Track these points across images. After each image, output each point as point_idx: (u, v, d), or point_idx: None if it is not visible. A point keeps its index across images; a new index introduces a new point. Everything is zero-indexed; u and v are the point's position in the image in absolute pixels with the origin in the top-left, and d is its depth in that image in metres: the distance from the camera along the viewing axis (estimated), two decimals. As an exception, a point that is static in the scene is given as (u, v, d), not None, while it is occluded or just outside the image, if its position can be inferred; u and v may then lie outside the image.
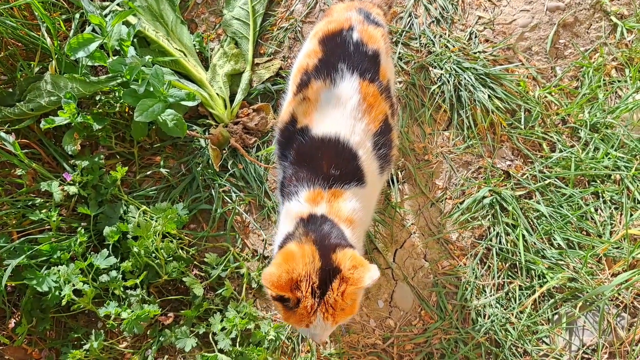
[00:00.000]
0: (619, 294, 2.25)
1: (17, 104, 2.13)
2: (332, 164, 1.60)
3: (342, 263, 1.42)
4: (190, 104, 2.13)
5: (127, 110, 2.27)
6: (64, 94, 2.07)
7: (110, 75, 2.16)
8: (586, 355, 2.20)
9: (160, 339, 2.06)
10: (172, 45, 2.39)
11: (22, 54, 2.30)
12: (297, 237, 1.52)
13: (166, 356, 2.08)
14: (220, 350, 2.01)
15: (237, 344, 2.03)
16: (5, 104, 2.18)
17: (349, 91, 1.67)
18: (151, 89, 2.08)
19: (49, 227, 2.07)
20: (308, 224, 1.54)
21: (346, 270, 1.41)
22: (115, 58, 2.11)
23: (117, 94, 2.21)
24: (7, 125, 2.14)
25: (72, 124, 2.11)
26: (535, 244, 2.29)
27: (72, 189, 2.08)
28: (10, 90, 2.23)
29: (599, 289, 2.14)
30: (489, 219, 2.34)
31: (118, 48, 2.17)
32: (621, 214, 2.35)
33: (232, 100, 2.41)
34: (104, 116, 2.19)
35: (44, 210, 2.05)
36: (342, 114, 1.66)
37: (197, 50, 2.48)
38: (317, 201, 1.58)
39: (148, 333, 2.09)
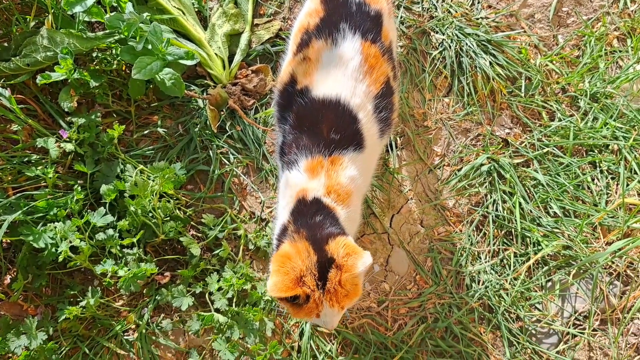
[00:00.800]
0: (613, 262, 2.27)
1: (13, 58, 2.09)
2: (332, 128, 1.58)
3: (336, 252, 1.43)
4: (188, 62, 2.10)
5: (124, 68, 2.24)
6: (61, 49, 2.03)
7: (107, 31, 2.12)
8: (578, 322, 2.23)
9: (156, 297, 2.07)
10: (171, 3, 2.35)
11: (18, 7, 2.25)
12: (289, 235, 1.52)
13: (162, 314, 2.09)
14: (217, 310, 2.02)
15: (234, 304, 2.05)
16: (0, 59, 2.14)
17: (350, 52, 1.65)
18: (149, 47, 2.05)
19: (45, 184, 2.05)
20: (299, 219, 1.53)
21: (340, 258, 1.42)
22: (112, 14, 2.07)
23: (114, 51, 2.17)
24: (2, 80, 2.10)
25: (69, 81, 2.08)
26: (531, 211, 2.30)
27: (69, 146, 2.06)
28: (6, 44, 2.19)
29: (593, 256, 2.16)
30: (486, 187, 2.35)
31: (115, 4, 2.13)
32: (617, 184, 2.36)
33: (230, 60, 2.38)
34: (101, 73, 2.16)
35: (40, 167, 2.03)
36: (343, 74, 1.63)
37: (196, 9, 2.44)
38: (317, 172, 1.57)
39: (144, 292, 2.10)
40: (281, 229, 1.59)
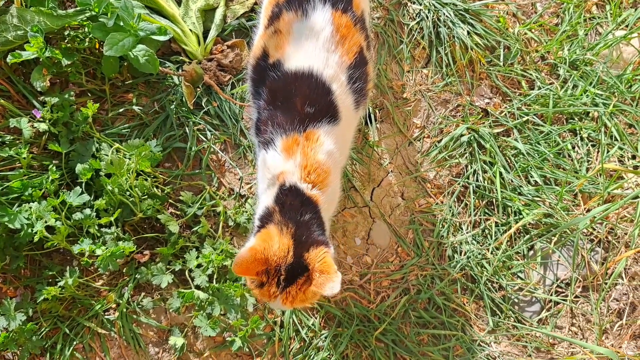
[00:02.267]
0: (594, 229, 2.27)
1: (-18, 38, 2.06)
2: (306, 101, 1.56)
3: (312, 264, 1.45)
4: (161, 38, 2.07)
5: (97, 46, 2.20)
6: (31, 27, 2.00)
7: (78, 8, 2.09)
8: (560, 289, 2.24)
9: (136, 276, 2.05)
10: (143, -21, 2.31)
11: (-14, -13, 2.21)
12: (277, 224, 1.52)
13: (143, 293, 2.09)
14: (197, 287, 2.01)
15: (214, 281, 2.04)
16: (-30, 39, 2.10)
17: (321, 22, 1.62)
18: (121, 23, 2.01)
19: (19, 165, 2.03)
20: (287, 212, 1.53)
21: (313, 272, 1.44)
22: (82, -10, 2.04)
23: (86, 28, 2.14)
24: (-28, 61, 2.08)
25: (41, 60, 2.05)
26: (512, 181, 2.30)
27: (42, 126, 2.03)
28: (-25, 24, 2.15)
29: (573, 221, 2.16)
30: (466, 157, 2.34)
31: (85, -19, 2.09)
32: (598, 152, 2.35)
33: (205, 36, 2.35)
34: (73, 51, 2.13)
35: (13, 148, 2.01)
36: (314, 46, 1.61)
37: (169, -15, 2.40)
38: (293, 150, 1.55)
39: (124, 271, 2.08)
40: (265, 212, 1.58)
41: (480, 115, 2.40)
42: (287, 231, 1.49)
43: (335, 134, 1.59)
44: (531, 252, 2.26)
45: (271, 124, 1.59)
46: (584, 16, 2.52)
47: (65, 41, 2.13)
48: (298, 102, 1.57)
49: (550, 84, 2.45)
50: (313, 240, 1.49)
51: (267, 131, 1.60)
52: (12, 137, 2.06)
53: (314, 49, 1.61)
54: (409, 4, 2.46)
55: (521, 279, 2.23)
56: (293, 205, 1.52)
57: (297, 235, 1.49)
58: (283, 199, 1.54)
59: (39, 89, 2.07)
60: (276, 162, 1.57)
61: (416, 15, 2.45)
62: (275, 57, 1.63)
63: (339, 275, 1.42)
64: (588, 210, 2.26)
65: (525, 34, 2.50)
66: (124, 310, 2.03)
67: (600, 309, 2.21)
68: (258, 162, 1.72)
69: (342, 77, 1.63)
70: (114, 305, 2.05)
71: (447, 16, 2.42)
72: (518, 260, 2.24)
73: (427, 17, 2.42)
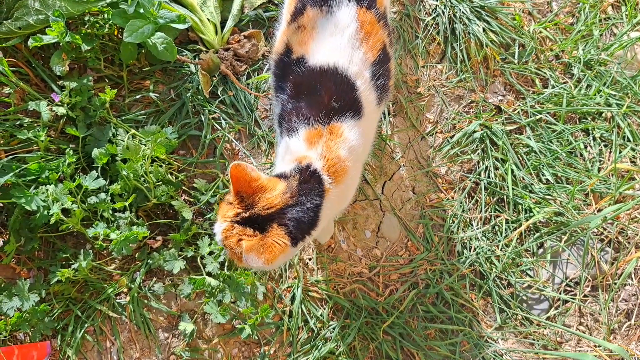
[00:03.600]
0: (604, 229, 2.28)
1: (5, 22, 2.08)
2: (332, 96, 1.57)
3: (268, 236, 1.41)
4: (180, 26, 2.09)
5: (116, 32, 2.22)
6: (52, 12, 2.02)
7: (98, -6, 2.11)
8: (569, 288, 2.25)
9: (148, 261, 2.07)
10: (162, -33, 2.33)
11: (8, -29, 2.24)
12: (286, 182, 1.49)
13: (154, 278, 2.11)
14: (209, 274, 2.03)
15: (225, 268, 2.06)
16: (-9, 22, 2.13)
17: (346, 19, 1.63)
18: (141, 10, 2.04)
19: (37, 147, 2.05)
20: (301, 188, 1.50)
21: (260, 240, 1.40)
22: (104, -23, 2.06)
23: (106, 15, 2.16)
24: (-7, 44, 2.10)
25: (60, 44, 2.07)
26: (523, 178, 2.31)
27: (61, 110, 2.06)
28: (-4, 8, 2.18)
29: (584, 220, 2.17)
30: (478, 154, 2.35)
31: (107, -33, 2.11)
32: (610, 151, 2.36)
33: (223, 26, 2.37)
34: (92, 37, 2.15)
35: (32, 130, 2.03)
36: (339, 42, 1.61)
37: (188, -25, 2.42)
38: (315, 141, 1.55)
39: (136, 256, 2.10)
40: (281, 171, 1.57)
41: (494, 112, 2.40)
42: (284, 197, 1.46)
43: (359, 129, 1.59)
44: (541, 250, 2.26)
45: (296, 115, 1.59)
46: (599, 16, 2.53)
47: (86, 27, 2.15)
48: (323, 96, 1.58)
49: (564, 83, 2.45)
50: (291, 225, 1.45)
51: (292, 120, 1.60)
52: (30, 120, 2.09)
53: (339, 46, 1.61)
54: (425, -1, 2.48)
55: (530, 276, 2.24)
56: (306, 186, 1.50)
57: (288, 207, 1.46)
58: (301, 176, 1.52)
59: (58, 73, 2.09)
60: (299, 148, 1.57)
61: (432, 11, 2.46)
62: (299, 52, 1.64)
63: (265, 264, 1.39)
64: (599, 210, 2.27)
65: (541, 32, 2.50)
66: (135, 294, 2.05)
67: (608, 308, 2.21)
68: (279, 148, 1.70)
69: (366, 74, 1.64)
70: (125, 290, 2.07)
71: (463, 12, 2.43)
72: (527, 257, 2.25)
73: (443, 13, 2.43)
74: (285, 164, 1.60)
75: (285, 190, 1.47)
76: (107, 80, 2.25)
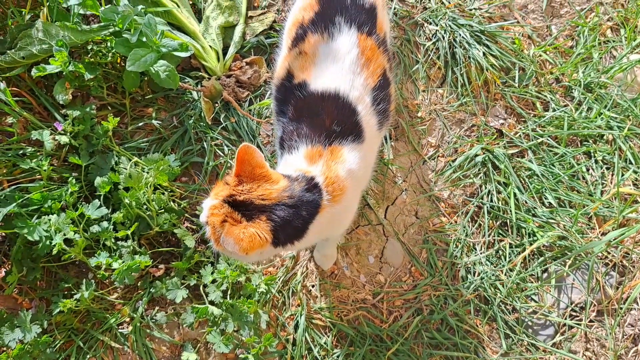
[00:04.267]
0: (608, 253, 2.27)
1: (8, 51, 2.09)
2: (334, 120, 1.58)
3: (253, 226, 1.38)
4: (183, 54, 2.10)
5: (119, 60, 2.24)
6: (56, 42, 2.03)
7: (102, 24, 2.12)
8: (574, 313, 2.23)
9: (151, 290, 2.06)
10: (165, -5, 2.35)
11: (14, 1, 2.25)
12: (289, 181, 1.47)
13: (157, 307, 2.09)
14: (211, 302, 2.01)
15: (228, 296, 2.04)
16: (-5, 52, 2.14)
17: (347, 45, 1.65)
18: (144, 39, 2.05)
19: (39, 176, 2.05)
20: (299, 192, 1.47)
21: (243, 227, 1.37)
22: (107, 6, 2.07)
23: (109, 43, 2.17)
24: (-3, 73, 2.11)
25: (64, 73, 2.08)
26: (526, 202, 2.30)
27: (64, 139, 2.06)
28: (1, 37, 2.19)
29: (588, 245, 2.16)
30: (480, 177, 2.35)
31: (110, -4, 2.13)
32: (612, 174, 2.36)
33: (225, 53, 2.38)
34: (95, 66, 2.16)
35: (34, 160, 2.03)
36: (340, 68, 1.63)
37: (190, 2, 2.44)
38: (315, 160, 1.55)
39: (139, 284, 2.09)
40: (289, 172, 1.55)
41: (495, 136, 2.41)
42: (283, 194, 1.43)
43: (359, 153, 1.60)
44: (545, 275, 2.25)
45: (297, 134, 1.60)
46: (598, 39, 2.54)
47: (89, 55, 2.16)
48: (325, 119, 1.59)
49: (565, 105, 2.46)
50: (279, 224, 1.41)
51: (293, 139, 1.60)
52: (33, 149, 2.09)
53: (340, 71, 1.63)
54: (425, 24, 2.49)
55: (535, 301, 2.22)
56: (307, 194, 1.46)
57: (282, 205, 1.42)
58: (307, 184, 1.49)
59: (61, 102, 2.10)
60: (299, 163, 1.56)
61: (432, 36, 2.48)
62: (301, 77, 1.66)
63: (239, 253, 1.36)
64: (603, 234, 2.26)
65: (540, 56, 2.52)
66: (138, 324, 2.03)
67: (615, 334, 2.20)
68: (278, 168, 1.68)
69: (367, 99, 1.65)
70: (127, 319, 2.06)
71: (463, 37, 2.44)
72: (532, 282, 2.24)
73: (444, 38, 2.45)
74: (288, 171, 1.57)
75: (286, 188, 1.44)
76: (109, 108, 2.26)
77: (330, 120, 1.58)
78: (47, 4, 2.13)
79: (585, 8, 2.59)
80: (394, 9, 2.50)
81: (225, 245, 1.37)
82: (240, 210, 1.40)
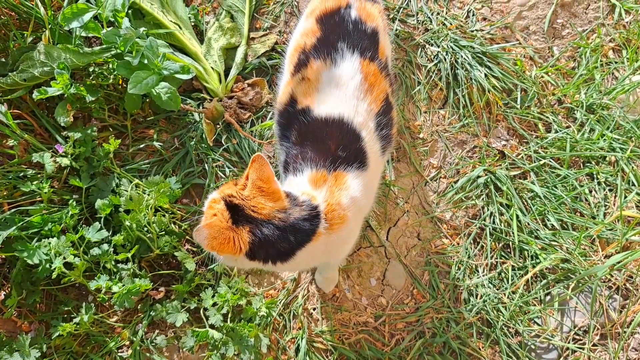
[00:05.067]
0: (612, 276, 2.25)
1: (10, 73, 2.10)
2: (339, 145, 1.57)
3: (236, 233, 1.38)
4: (184, 77, 2.11)
5: (120, 82, 2.24)
6: (57, 64, 2.04)
7: (104, 46, 2.13)
8: (577, 337, 2.21)
9: (151, 313, 2.05)
10: (167, 17, 2.36)
11: (16, 23, 2.27)
12: (289, 202, 1.45)
13: (157, 331, 2.08)
14: (212, 326, 2.00)
15: (229, 320, 2.03)
16: (-3, 74, 2.15)
17: (350, 71, 1.65)
18: (145, 61, 2.05)
19: (40, 199, 2.05)
20: (299, 214, 1.45)
21: (224, 229, 1.37)
22: (109, 29, 2.08)
23: (110, 65, 2.18)
24: (-1, 96, 2.12)
25: (65, 95, 2.08)
26: (529, 224, 2.29)
27: (64, 161, 2.06)
28: (3, 60, 2.20)
29: (591, 270, 2.14)
30: (483, 199, 2.34)
31: (112, 19, 2.13)
32: (615, 196, 2.34)
33: (226, 74, 2.39)
34: (97, 88, 2.17)
35: (35, 182, 2.03)
36: (344, 94, 1.63)
37: (193, 23, 2.45)
38: (319, 184, 1.54)
39: (139, 307, 2.08)
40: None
41: (497, 157, 2.40)
42: (275, 214, 1.41)
43: (363, 180, 1.59)
44: (548, 298, 2.23)
45: (302, 157, 1.59)
46: (600, 61, 2.54)
47: (90, 78, 2.17)
48: (330, 144, 1.58)
49: (567, 127, 2.45)
50: (259, 240, 1.39)
51: (297, 162, 1.59)
52: (34, 171, 2.08)
53: (344, 97, 1.63)
54: (427, 45, 2.49)
55: (538, 324, 2.20)
56: (302, 224, 1.44)
57: (270, 223, 1.40)
58: (309, 214, 1.46)
59: (62, 124, 2.10)
60: (304, 187, 1.55)
61: (434, 57, 2.48)
62: (304, 103, 1.65)
63: (206, 247, 1.36)
64: (606, 257, 2.24)
65: (542, 77, 2.51)
66: (138, 347, 2.02)
67: (618, 358, 2.17)
68: (283, 186, 1.64)
69: (371, 124, 1.65)
70: (127, 343, 2.04)
71: (464, 58, 2.44)
72: (535, 305, 2.22)
73: (445, 59, 2.45)
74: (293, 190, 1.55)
75: (282, 209, 1.42)
76: (111, 130, 2.26)
77: (335, 145, 1.57)
78: (49, 26, 2.14)
79: (587, 29, 2.59)
80: (396, 30, 2.50)
81: (197, 234, 1.37)
82: (232, 213, 1.40)
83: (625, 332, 2.17)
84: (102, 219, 2.03)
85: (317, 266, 2.14)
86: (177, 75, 2.09)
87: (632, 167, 2.36)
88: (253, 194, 1.41)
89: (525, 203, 2.34)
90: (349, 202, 1.54)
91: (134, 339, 2.02)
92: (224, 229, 1.37)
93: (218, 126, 2.31)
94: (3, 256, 2.02)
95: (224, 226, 1.38)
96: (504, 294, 2.21)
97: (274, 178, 1.44)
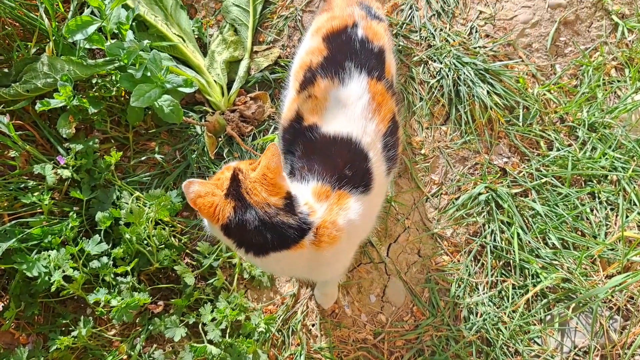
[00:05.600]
0: (612, 297, 2.24)
1: (13, 84, 2.10)
2: (347, 163, 1.56)
3: (223, 204, 1.39)
4: (187, 90, 2.10)
5: (123, 94, 2.24)
6: (61, 76, 2.04)
7: (107, 58, 2.13)
8: (578, 357, 2.19)
9: (149, 327, 2.04)
10: (171, 30, 2.36)
11: (20, 34, 2.27)
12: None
13: (155, 345, 2.07)
14: (210, 341, 1.99)
15: (227, 335, 2.02)
16: (0, 84, 2.15)
17: (358, 90, 1.65)
18: (148, 74, 2.05)
19: (40, 210, 2.04)
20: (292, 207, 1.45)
21: (216, 206, 1.39)
22: (113, 41, 2.08)
23: (114, 77, 2.18)
24: (1, 106, 2.11)
25: (68, 107, 2.08)
26: (529, 242, 2.28)
27: (66, 173, 2.06)
28: (6, 70, 2.20)
29: (592, 292, 2.14)
30: (484, 216, 2.33)
31: (116, 31, 2.14)
32: (617, 215, 2.34)
33: (229, 87, 2.39)
34: (100, 100, 2.17)
35: (36, 193, 2.02)
36: (352, 113, 1.63)
37: (196, 36, 2.45)
38: (322, 199, 1.52)
39: (137, 321, 2.07)
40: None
41: (499, 174, 2.39)
42: (264, 206, 1.40)
43: (365, 203, 1.57)
44: (548, 317, 2.22)
45: (308, 169, 1.58)
46: (603, 79, 2.54)
47: (93, 90, 2.17)
48: (338, 161, 1.57)
49: (569, 145, 2.45)
50: (237, 219, 1.39)
51: (303, 173, 1.59)
52: (35, 183, 2.08)
53: (352, 117, 1.62)
54: (429, 62, 2.50)
55: (538, 344, 2.19)
56: (289, 230, 1.42)
57: (255, 210, 1.40)
58: (300, 225, 1.44)
59: (64, 136, 2.10)
60: (307, 196, 1.53)
61: (436, 74, 2.48)
62: (311, 121, 1.65)
63: (190, 201, 1.39)
64: (607, 277, 2.23)
65: (544, 95, 2.51)
66: (135, 361, 2.01)
67: (618, 378, 2.16)
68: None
69: (379, 145, 1.64)
70: (125, 357, 2.03)
71: (467, 75, 2.44)
72: (535, 324, 2.21)
73: (448, 76, 2.45)
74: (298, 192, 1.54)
75: (272, 205, 1.41)
76: (113, 141, 2.26)
77: (343, 162, 1.56)
78: (53, 38, 2.14)
79: (589, 47, 2.59)
80: (399, 46, 2.50)
81: (187, 186, 1.39)
82: (232, 185, 1.41)
83: (625, 353, 2.16)
84: (102, 232, 2.02)
85: (315, 281, 2.13)
86: (180, 89, 2.09)
87: (634, 187, 2.36)
88: (257, 179, 1.41)
89: (527, 221, 2.33)
90: (345, 224, 1.51)
91: (132, 353, 2.01)
92: (213, 194, 1.39)
93: (220, 139, 2.31)
94: (2, 268, 2.01)
95: (215, 192, 1.40)
96: (504, 313, 2.20)
97: (282, 173, 1.44)
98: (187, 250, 2.16)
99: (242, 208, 1.40)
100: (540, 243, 2.29)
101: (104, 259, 2.00)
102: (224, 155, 2.30)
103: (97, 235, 2.00)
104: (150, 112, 2.28)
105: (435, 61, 2.49)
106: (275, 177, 1.42)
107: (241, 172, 1.42)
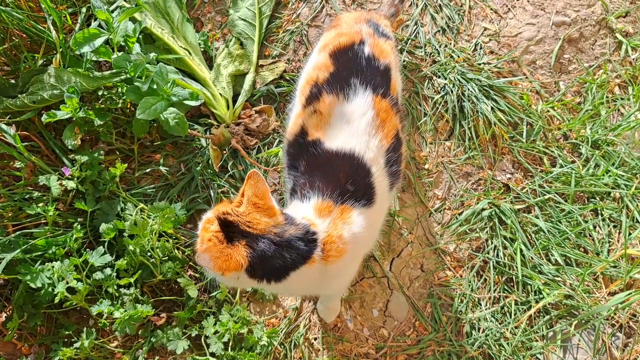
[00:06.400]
0: (615, 314, 2.24)
1: (19, 95, 2.11)
2: (349, 178, 1.58)
3: (233, 249, 1.38)
4: (193, 103, 2.12)
5: (129, 106, 2.26)
6: (67, 88, 2.06)
7: (114, 71, 2.14)
8: (579, 373, 2.19)
9: (151, 339, 2.04)
10: (177, 43, 2.38)
11: (27, 45, 2.28)
12: (282, 219, 1.46)
13: (157, 357, 2.06)
14: (212, 354, 1.99)
15: (229, 348, 2.02)
16: (7, 95, 2.16)
17: (363, 107, 1.66)
18: (155, 87, 2.06)
19: (45, 221, 2.05)
20: (293, 235, 1.45)
21: (215, 243, 1.39)
22: (120, 54, 2.10)
23: (120, 89, 2.19)
24: (8, 117, 2.12)
25: (74, 118, 2.09)
26: (532, 258, 2.29)
27: (71, 184, 2.06)
28: (13, 81, 2.21)
29: (595, 309, 2.14)
30: (487, 232, 2.33)
31: (123, 44, 2.15)
32: (619, 233, 2.34)
33: (234, 100, 2.40)
34: (105, 112, 2.18)
35: (40, 204, 2.03)
36: (356, 129, 1.64)
37: (202, 49, 2.47)
38: (324, 215, 1.54)
39: (140, 333, 2.07)
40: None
41: (502, 190, 2.40)
42: (270, 228, 1.41)
43: (368, 216, 1.59)
44: (551, 334, 2.22)
45: (309, 185, 1.59)
46: (606, 96, 2.55)
47: (99, 101, 2.18)
48: (340, 177, 1.58)
49: (572, 162, 2.46)
50: (257, 253, 1.39)
51: (305, 189, 1.60)
52: (40, 193, 2.09)
53: (356, 132, 1.64)
54: (434, 77, 2.51)
55: (540, 360, 2.19)
56: (298, 243, 1.44)
57: (266, 238, 1.40)
58: (305, 234, 1.46)
59: (69, 147, 2.11)
60: (307, 213, 1.55)
61: (441, 89, 2.49)
62: (315, 136, 1.66)
63: (214, 270, 1.36)
64: (610, 294, 2.23)
65: (548, 111, 2.53)
66: (137, 373, 2.00)
67: (621, 397, 2.16)
68: (288, 208, 1.67)
69: (381, 161, 1.66)
70: (127, 369, 2.03)
71: (471, 91, 2.46)
72: (537, 341, 2.21)
73: (452, 92, 2.46)
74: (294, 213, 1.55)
75: (278, 225, 1.43)
76: (118, 153, 2.27)
77: (345, 178, 1.58)
78: (60, 50, 2.15)
79: (593, 65, 2.61)
80: (404, 61, 2.52)
81: (200, 259, 1.38)
82: (227, 231, 1.40)
83: (628, 371, 2.16)
84: (106, 243, 2.03)
85: (317, 295, 2.13)
86: (186, 102, 2.10)
87: (637, 204, 2.36)
88: (249, 210, 1.42)
89: (529, 237, 2.33)
90: (350, 237, 1.54)
91: (134, 365, 2.01)
92: (222, 249, 1.38)
93: (224, 152, 2.32)
94: (6, 278, 2.01)
95: (222, 246, 1.39)
96: (507, 329, 2.20)
97: (269, 194, 1.46)
98: (190, 263, 2.16)
99: (253, 241, 1.40)
100: (543, 259, 2.30)
101: (108, 271, 2.00)
102: (229, 168, 2.31)
103: (101, 247, 2.00)
104: (155, 125, 2.29)
105: (439, 77, 2.51)
106: (266, 201, 1.44)
107: (228, 214, 1.42)
